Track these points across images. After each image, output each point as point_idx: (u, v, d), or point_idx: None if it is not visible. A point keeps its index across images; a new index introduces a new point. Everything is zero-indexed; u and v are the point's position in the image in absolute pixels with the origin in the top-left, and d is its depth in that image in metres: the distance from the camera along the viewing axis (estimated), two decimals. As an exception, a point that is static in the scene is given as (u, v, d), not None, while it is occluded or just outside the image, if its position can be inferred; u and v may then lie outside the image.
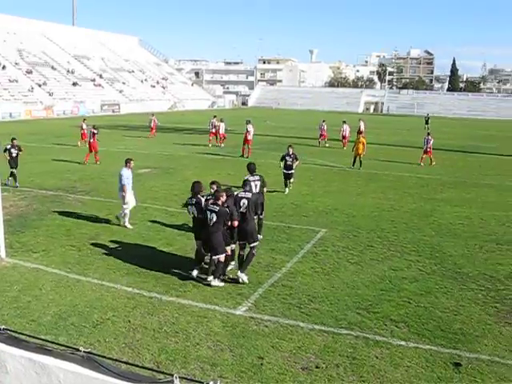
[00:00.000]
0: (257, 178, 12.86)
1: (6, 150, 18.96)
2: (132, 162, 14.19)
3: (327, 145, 36.06)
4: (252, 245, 10.46)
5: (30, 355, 3.52)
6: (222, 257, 10.04)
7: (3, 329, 3.84)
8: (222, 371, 7.01)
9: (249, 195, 10.71)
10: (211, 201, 10.23)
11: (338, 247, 12.73)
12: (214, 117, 35.41)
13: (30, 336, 4.07)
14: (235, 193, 10.94)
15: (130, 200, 14.02)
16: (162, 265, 11.04)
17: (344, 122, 37.00)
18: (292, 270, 11.02)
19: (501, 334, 8.40)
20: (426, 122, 59.89)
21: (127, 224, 13.89)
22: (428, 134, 29.64)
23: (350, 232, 14.06)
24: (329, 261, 11.68)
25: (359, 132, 32.70)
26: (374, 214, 16.30)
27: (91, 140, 25.77)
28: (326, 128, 36.37)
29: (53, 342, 4.17)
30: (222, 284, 10.03)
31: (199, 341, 7.83)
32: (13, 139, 19.37)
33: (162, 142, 34.62)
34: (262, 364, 7.23)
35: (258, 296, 9.58)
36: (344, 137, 35.77)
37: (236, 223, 10.21)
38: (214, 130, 34.52)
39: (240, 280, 10.14)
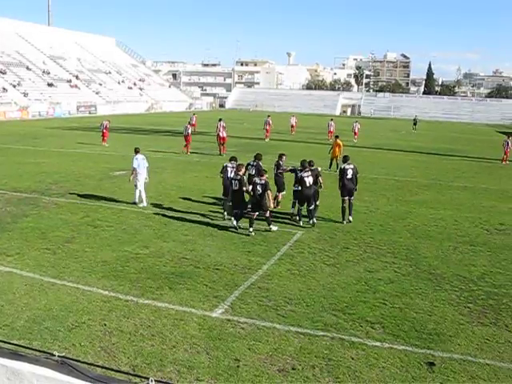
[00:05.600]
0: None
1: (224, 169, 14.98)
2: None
3: (330, 140, 38.27)
4: (352, 198, 15.36)
5: (1, 361, 3.47)
6: (313, 206, 14.85)
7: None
8: (199, 374, 7.00)
9: (352, 166, 15.30)
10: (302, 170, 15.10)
11: (315, 249, 12.80)
12: (268, 116, 41.56)
13: (2, 341, 4.01)
14: (343, 166, 15.47)
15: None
16: (138, 268, 10.98)
17: (331, 119, 45.20)
18: (268, 272, 11.05)
19: (473, 333, 8.54)
20: (414, 124, 62.98)
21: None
22: (508, 137, 32.30)
23: (326, 234, 14.16)
24: (305, 263, 11.74)
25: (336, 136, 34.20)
26: (351, 215, 16.37)
27: (187, 133, 29.93)
28: (333, 125, 43.58)
29: (26, 347, 4.13)
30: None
31: (175, 343, 7.81)
32: (232, 159, 15.06)
33: (135, 144, 34.30)
34: (238, 366, 7.24)
35: (234, 298, 9.59)
36: (330, 132, 42.69)
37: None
38: (267, 127, 40.73)
39: (351, 219, 15.24)
